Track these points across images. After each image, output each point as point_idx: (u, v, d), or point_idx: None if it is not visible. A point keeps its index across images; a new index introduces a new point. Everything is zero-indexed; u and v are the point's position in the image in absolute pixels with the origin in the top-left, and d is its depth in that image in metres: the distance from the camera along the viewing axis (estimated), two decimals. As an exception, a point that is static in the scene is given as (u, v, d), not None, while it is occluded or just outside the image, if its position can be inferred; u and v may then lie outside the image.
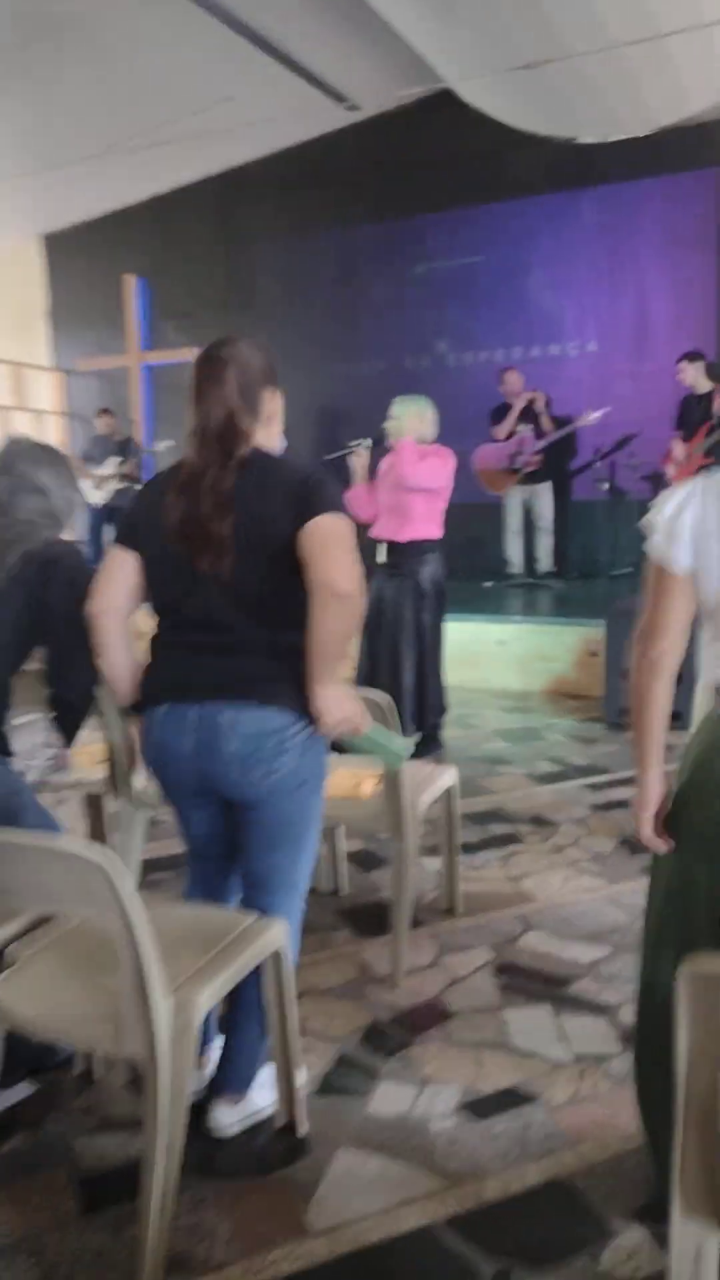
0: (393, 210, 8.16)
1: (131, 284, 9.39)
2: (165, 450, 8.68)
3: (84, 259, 9.67)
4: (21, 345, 9.99)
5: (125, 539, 1.87)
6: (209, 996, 1.60)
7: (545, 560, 7.50)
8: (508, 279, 7.85)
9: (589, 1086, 1.99)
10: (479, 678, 5.90)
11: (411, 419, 4.20)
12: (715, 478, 1.52)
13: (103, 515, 8.53)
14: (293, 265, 8.69)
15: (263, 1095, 1.91)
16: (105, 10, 6.03)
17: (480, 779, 4.13)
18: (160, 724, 1.82)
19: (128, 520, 1.91)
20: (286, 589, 1.74)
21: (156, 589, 1.86)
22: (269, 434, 1.89)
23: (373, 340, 8.43)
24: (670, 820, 1.57)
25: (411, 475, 4.12)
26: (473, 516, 7.03)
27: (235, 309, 9.01)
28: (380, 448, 4.39)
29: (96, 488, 8.36)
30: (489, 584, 7.43)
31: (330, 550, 1.69)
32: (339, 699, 1.75)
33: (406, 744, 1.90)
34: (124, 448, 8.48)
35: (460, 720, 5.10)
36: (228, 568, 1.73)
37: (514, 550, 7.54)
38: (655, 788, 1.57)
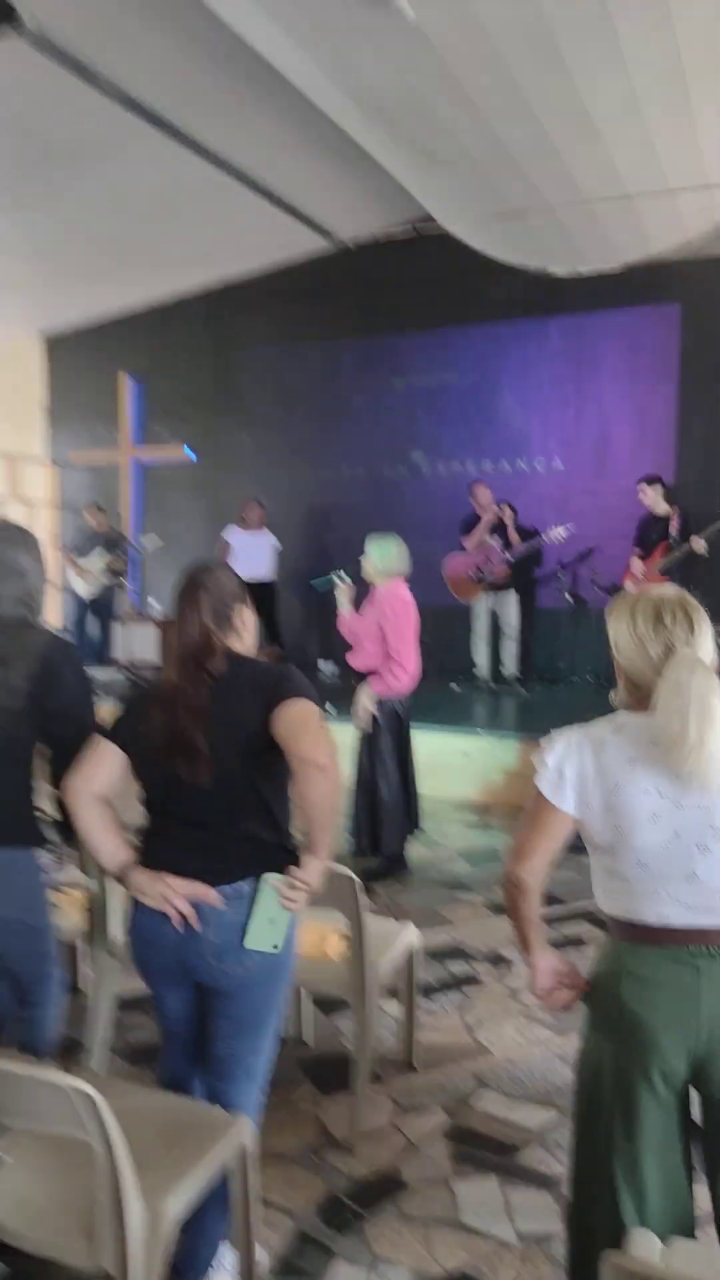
0: (374, 328, 8.57)
1: (126, 383, 9.70)
2: (152, 546, 8.89)
3: (82, 358, 10.01)
4: (18, 437, 10.28)
5: (115, 737, 2.04)
6: (179, 1205, 1.72)
7: (511, 665, 7.74)
8: (479, 396, 8.25)
9: (531, 1271, 2.12)
10: (444, 787, 6.06)
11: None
12: (593, 730, 1.74)
13: (87, 607, 8.70)
14: (280, 373, 9.06)
15: (221, 1278, 2.02)
16: (106, 143, 6.38)
17: (441, 906, 4.28)
18: (147, 912, 1.98)
19: (119, 722, 2.08)
20: (262, 786, 1.94)
21: (146, 789, 2.04)
22: (243, 644, 2.11)
23: (353, 447, 8.79)
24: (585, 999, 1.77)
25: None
26: (443, 619, 7.29)
27: (225, 412, 9.36)
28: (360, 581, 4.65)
29: (82, 579, 8.54)
30: (457, 687, 7.65)
31: (304, 729, 1.87)
32: (319, 875, 1.89)
33: (279, 937, 1.96)
34: (111, 541, 8.68)
35: (424, 836, 5.25)
36: (205, 774, 1.92)
37: (481, 655, 7.77)
38: (543, 963, 1.83)
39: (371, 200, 7.48)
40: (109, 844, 1.99)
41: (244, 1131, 1.91)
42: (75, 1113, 1.57)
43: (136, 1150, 1.64)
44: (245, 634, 2.11)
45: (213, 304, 9.23)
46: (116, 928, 2.79)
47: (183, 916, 1.91)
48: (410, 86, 5.16)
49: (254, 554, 8.16)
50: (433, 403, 8.44)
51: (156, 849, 2.02)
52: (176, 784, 1.95)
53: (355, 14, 4.37)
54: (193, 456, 9.53)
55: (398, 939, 2.85)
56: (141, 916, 2.00)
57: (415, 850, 5.05)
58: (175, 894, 1.92)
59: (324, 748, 1.85)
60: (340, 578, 4.64)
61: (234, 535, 8.34)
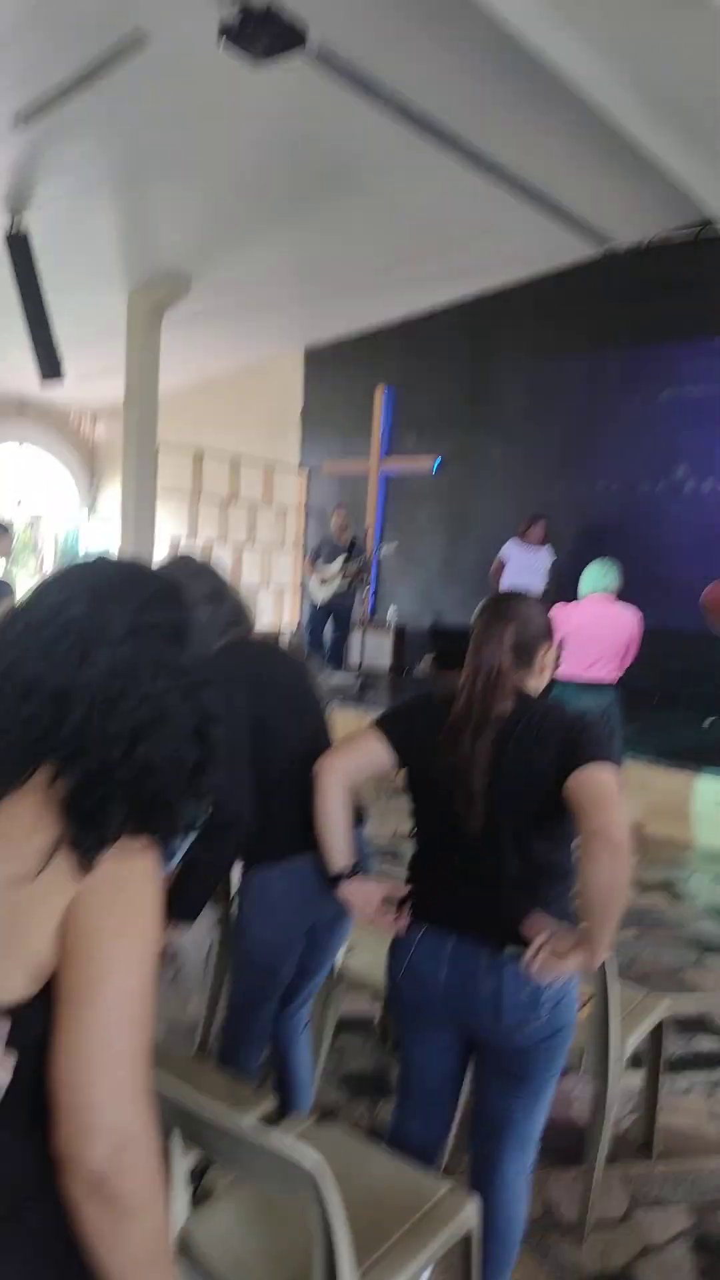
0: (640, 337, 8.11)
1: (381, 393, 9.84)
2: (389, 553, 8.98)
3: (338, 370, 10.28)
4: (276, 446, 10.69)
5: (389, 734, 1.91)
6: (398, 1289, 1.58)
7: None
8: (758, 409, 7.58)
9: None
10: (691, 834, 5.61)
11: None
12: None
13: (323, 613, 8.90)
14: (535, 384, 8.81)
15: None
16: (380, 159, 6.43)
17: (687, 970, 3.90)
18: (416, 946, 1.86)
19: (402, 722, 1.94)
20: (544, 837, 1.77)
21: (420, 810, 1.92)
22: (539, 683, 1.93)
23: (610, 462, 8.35)
24: None
25: None
26: (695, 648, 6.76)
27: (476, 423, 9.24)
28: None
29: (322, 585, 8.73)
30: (709, 722, 7.07)
31: (604, 801, 1.67)
32: (590, 965, 1.65)
33: None
34: (351, 548, 8.83)
35: (668, 886, 4.86)
36: (476, 820, 1.77)
37: (740, 690, 7.14)
38: None
39: (648, 205, 7.08)
40: (341, 841, 1.90)
41: (473, 1213, 1.75)
42: (297, 1184, 1.46)
43: (357, 1225, 1.51)
44: (544, 675, 1.94)
45: (469, 315, 9.13)
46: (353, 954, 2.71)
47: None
48: (711, 79, 4.82)
49: (530, 569, 7.89)
50: (702, 416, 7.85)
51: (427, 881, 1.89)
52: (453, 819, 1.80)
53: (660, 16, 4.15)
54: (435, 468, 9.52)
55: (649, 1013, 2.57)
56: (411, 951, 1.86)
57: (656, 901, 4.68)
58: (381, 918, 1.85)
59: (621, 822, 1.63)
60: None
61: (512, 549, 8.12)
